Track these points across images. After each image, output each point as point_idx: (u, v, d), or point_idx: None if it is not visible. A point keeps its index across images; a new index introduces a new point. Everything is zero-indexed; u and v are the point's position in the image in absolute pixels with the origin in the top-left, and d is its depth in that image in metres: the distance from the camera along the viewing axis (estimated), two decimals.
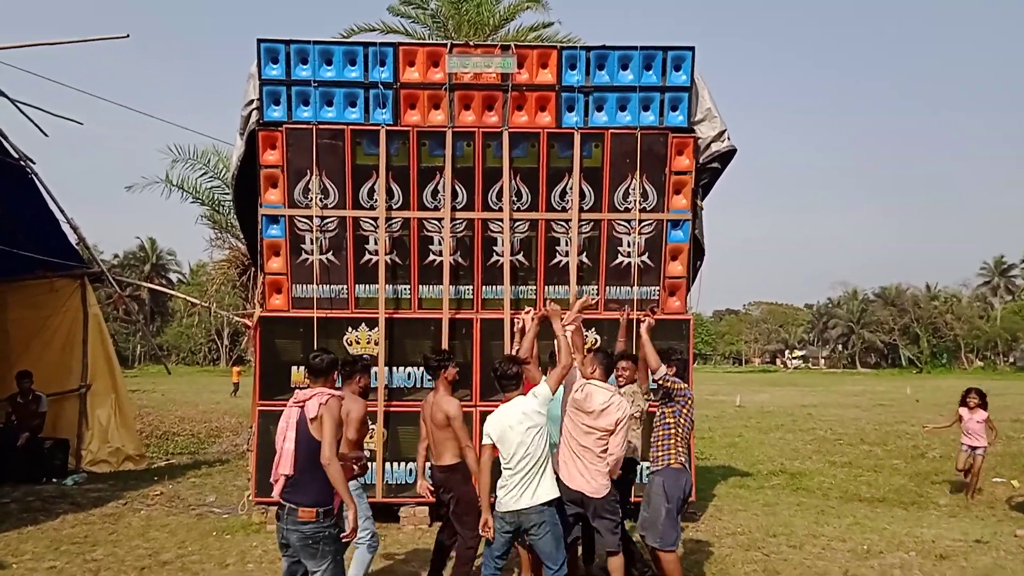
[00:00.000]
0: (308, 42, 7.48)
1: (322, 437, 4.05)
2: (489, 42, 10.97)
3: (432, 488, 5.32)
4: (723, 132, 7.64)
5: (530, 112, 7.61)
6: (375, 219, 7.58)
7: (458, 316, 7.64)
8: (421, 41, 14.06)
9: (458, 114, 7.58)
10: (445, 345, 7.41)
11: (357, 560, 5.14)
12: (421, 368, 7.29)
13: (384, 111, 7.52)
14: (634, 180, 7.65)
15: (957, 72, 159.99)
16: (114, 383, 11.00)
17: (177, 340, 65.95)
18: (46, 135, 10.67)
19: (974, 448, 9.44)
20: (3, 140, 9.77)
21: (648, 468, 5.62)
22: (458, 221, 7.66)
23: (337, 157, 7.53)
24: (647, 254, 7.76)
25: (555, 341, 5.22)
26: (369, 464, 6.58)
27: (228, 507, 8.25)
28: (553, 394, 4.79)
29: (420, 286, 7.73)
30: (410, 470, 7.48)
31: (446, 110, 7.56)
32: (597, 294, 7.73)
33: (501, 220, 7.62)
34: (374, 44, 7.63)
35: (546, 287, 7.75)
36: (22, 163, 10.07)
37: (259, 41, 7.45)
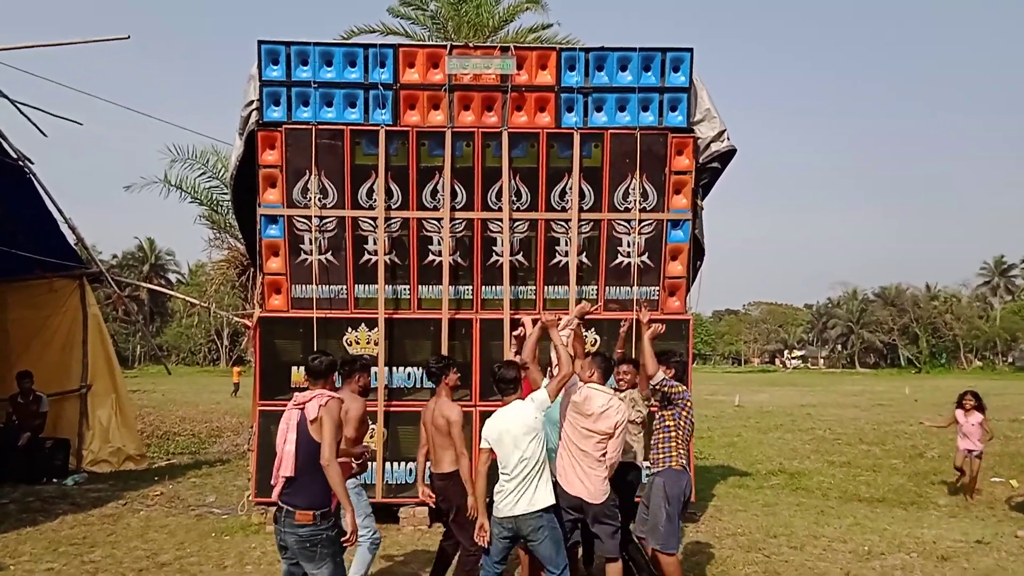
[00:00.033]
0: (308, 43, 7.48)
1: (321, 439, 4.05)
2: (488, 43, 10.98)
3: (432, 495, 5.31)
4: (723, 132, 7.64)
5: (529, 112, 7.61)
6: (374, 219, 7.58)
7: (458, 316, 7.63)
8: (421, 42, 14.08)
9: (457, 114, 7.57)
10: (445, 345, 7.41)
11: (358, 559, 5.13)
12: (421, 368, 7.28)
13: (384, 112, 7.51)
14: (634, 180, 7.64)
15: (956, 73, 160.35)
16: (114, 383, 11.01)
17: (177, 340, 65.90)
18: (45, 135, 10.72)
19: (970, 452, 9.44)
20: (2, 140, 9.76)
21: (648, 470, 5.61)
22: (457, 221, 7.65)
23: (336, 157, 7.52)
24: (647, 254, 7.75)
25: (552, 350, 5.20)
26: (369, 464, 6.59)
27: (228, 507, 8.24)
28: (552, 402, 4.77)
29: (420, 286, 7.72)
30: (410, 470, 7.47)
31: (446, 111, 7.55)
32: (597, 294, 7.73)
33: (501, 220, 7.61)
34: (374, 45, 7.63)
35: (546, 287, 7.75)
36: (21, 163, 10.06)
37: (259, 42, 7.44)
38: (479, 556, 4.83)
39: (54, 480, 9.64)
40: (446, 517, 5.25)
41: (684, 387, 5.40)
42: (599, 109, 7.62)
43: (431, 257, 7.67)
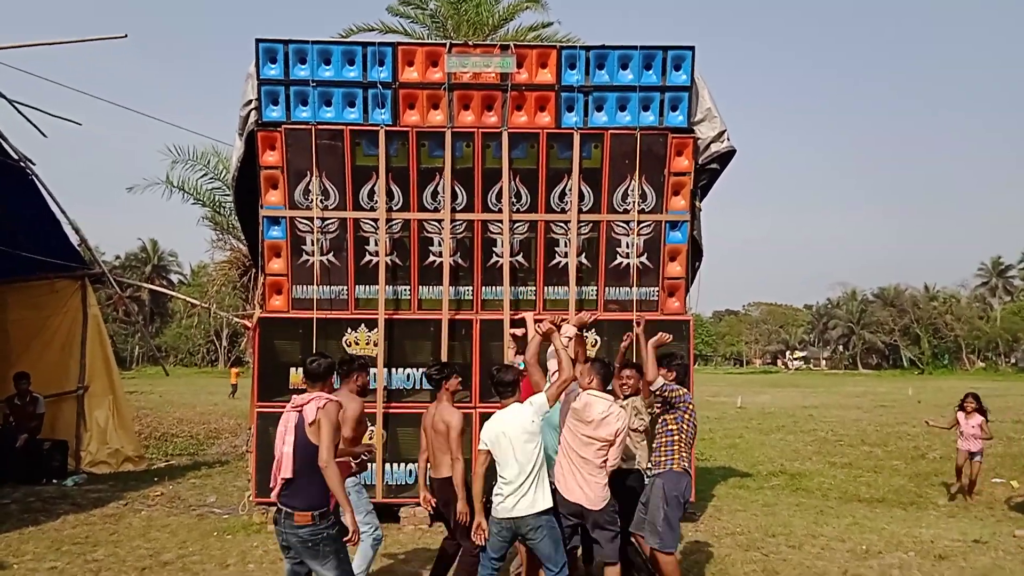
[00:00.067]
0: (307, 42, 7.47)
1: (319, 441, 4.07)
2: (488, 42, 10.96)
3: (432, 500, 5.31)
4: (723, 132, 7.64)
5: (529, 112, 7.61)
6: (375, 220, 7.59)
7: (458, 317, 7.64)
8: (420, 41, 14.05)
9: (457, 114, 7.57)
10: (444, 345, 7.42)
11: (360, 555, 5.14)
12: (420, 370, 7.29)
13: (383, 111, 7.52)
14: (633, 181, 7.65)
15: (956, 72, 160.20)
16: (111, 384, 11.00)
17: (176, 341, 65.84)
18: (44, 136, 10.72)
19: (972, 454, 9.45)
20: (2, 141, 9.77)
21: (649, 471, 5.61)
22: (458, 222, 7.66)
23: (337, 158, 7.53)
24: (646, 255, 7.76)
25: (550, 355, 5.20)
26: (369, 464, 6.60)
27: (228, 507, 8.25)
28: (551, 406, 4.78)
29: (420, 287, 7.74)
30: (410, 471, 7.48)
31: (445, 110, 7.56)
32: (597, 295, 7.74)
33: (501, 221, 7.62)
34: (373, 44, 7.62)
35: (545, 288, 7.76)
36: (22, 164, 10.07)
37: (257, 41, 7.45)
38: (479, 558, 4.85)
39: (54, 481, 9.64)
40: (447, 519, 5.27)
41: (685, 390, 5.39)
42: (599, 109, 7.63)
43: (431, 258, 7.69)
